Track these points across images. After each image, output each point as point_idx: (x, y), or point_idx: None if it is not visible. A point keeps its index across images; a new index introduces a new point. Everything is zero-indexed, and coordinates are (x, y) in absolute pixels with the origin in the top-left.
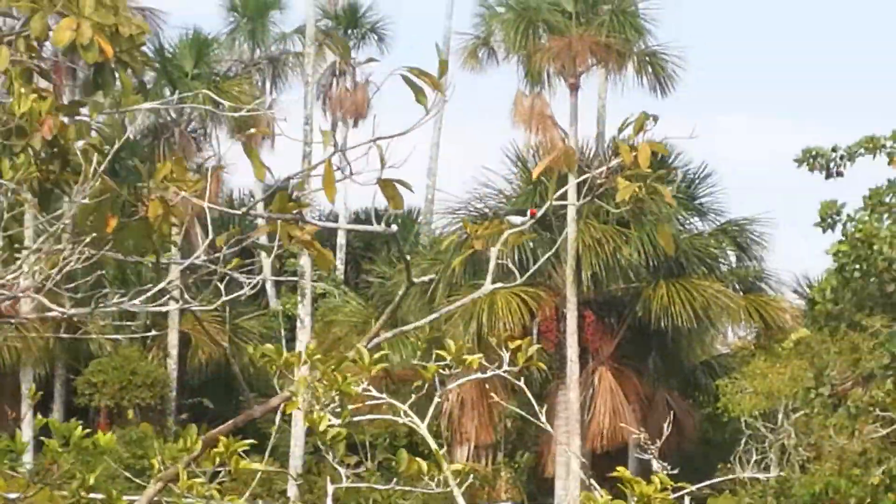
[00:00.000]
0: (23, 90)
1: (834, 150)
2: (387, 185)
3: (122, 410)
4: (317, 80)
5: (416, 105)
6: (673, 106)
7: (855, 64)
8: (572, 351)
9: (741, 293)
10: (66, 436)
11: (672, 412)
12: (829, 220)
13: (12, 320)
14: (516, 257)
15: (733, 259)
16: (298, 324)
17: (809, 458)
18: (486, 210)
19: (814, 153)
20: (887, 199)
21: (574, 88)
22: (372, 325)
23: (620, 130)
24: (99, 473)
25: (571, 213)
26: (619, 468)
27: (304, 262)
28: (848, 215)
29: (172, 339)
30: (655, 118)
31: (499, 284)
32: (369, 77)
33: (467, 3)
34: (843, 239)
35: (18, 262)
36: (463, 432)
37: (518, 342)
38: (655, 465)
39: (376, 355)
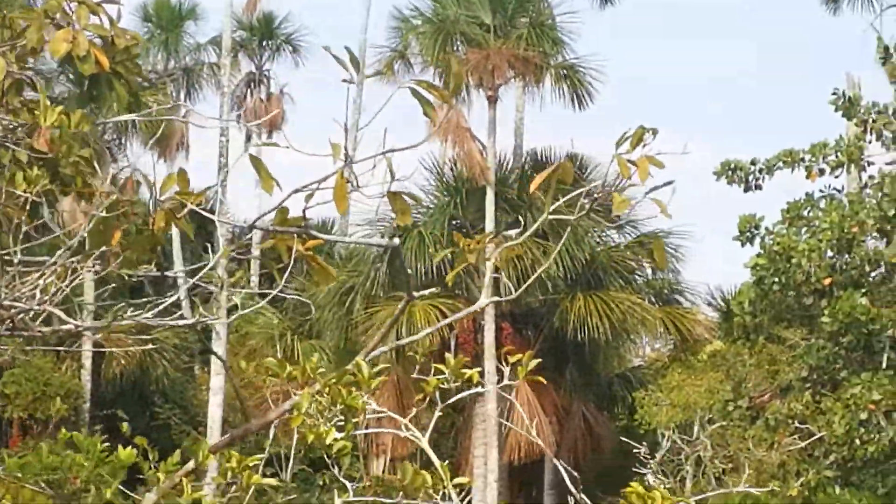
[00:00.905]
0: (47, 103)
1: (753, 163)
2: (396, 198)
3: (36, 422)
4: (231, 91)
5: (331, 117)
6: (592, 117)
7: (779, 78)
8: (490, 363)
9: (657, 305)
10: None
11: (588, 424)
12: (748, 233)
13: (24, 334)
14: (434, 269)
15: (649, 272)
16: (214, 335)
17: (726, 471)
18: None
19: (733, 166)
20: (805, 213)
21: (492, 101)
22: (287, 337)
23: (618, 145)
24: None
25: (490, 227)
26: (631, 483)
27: (220, 272)
28: (766, 229)
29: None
30: (654, 132)
31: (494, 298)
32: (283, 88)
33: (383, 17)
34: (762, 252)
35: (34, 276)
36: (379, 444)
37: (518, 356)
38: (651, 479)
39: (375, 369)
